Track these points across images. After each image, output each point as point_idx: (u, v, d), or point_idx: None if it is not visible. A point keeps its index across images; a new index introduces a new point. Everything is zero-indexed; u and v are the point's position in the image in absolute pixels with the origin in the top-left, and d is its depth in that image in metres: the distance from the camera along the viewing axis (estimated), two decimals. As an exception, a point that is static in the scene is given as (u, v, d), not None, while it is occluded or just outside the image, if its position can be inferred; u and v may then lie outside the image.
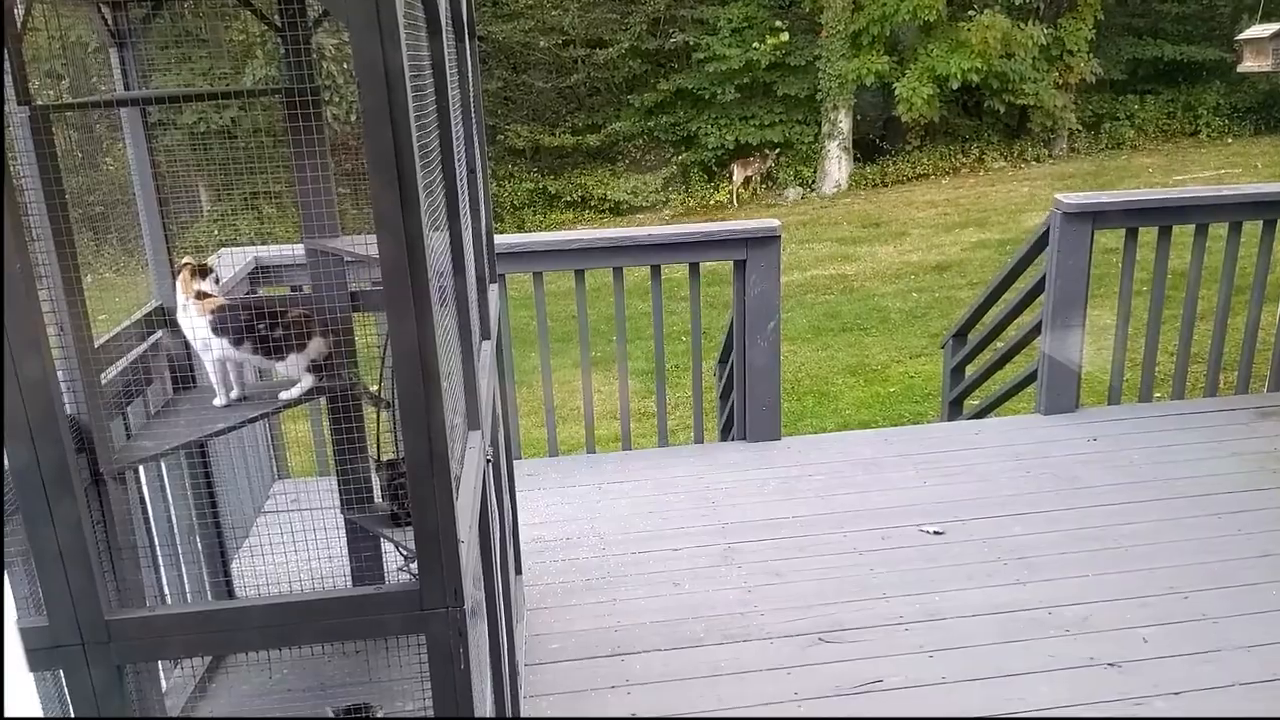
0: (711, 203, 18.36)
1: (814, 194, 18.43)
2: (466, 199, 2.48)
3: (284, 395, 2.15)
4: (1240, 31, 8.65)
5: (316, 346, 2.13)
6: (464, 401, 2.13)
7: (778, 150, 18.70)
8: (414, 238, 1.44)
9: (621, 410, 4.87)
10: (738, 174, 18.35)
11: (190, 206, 2.83)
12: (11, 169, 1.52)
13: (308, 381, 2.12)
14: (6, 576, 0.58)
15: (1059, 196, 4.70)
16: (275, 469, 4.45)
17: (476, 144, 2.92)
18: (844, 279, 12.25)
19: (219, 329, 2.11)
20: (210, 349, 2.12)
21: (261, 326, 2.10)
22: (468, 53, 2.65)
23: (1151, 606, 3.32)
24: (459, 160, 2.23)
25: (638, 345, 8.45)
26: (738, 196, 18.30)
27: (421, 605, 1.55)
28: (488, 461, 2.26)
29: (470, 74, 2.74)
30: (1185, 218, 4.78)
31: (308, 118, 2.40)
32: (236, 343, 2.11)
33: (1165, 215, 4.76)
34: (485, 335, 2.75)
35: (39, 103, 1.83)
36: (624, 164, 19.25)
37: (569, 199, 18.61)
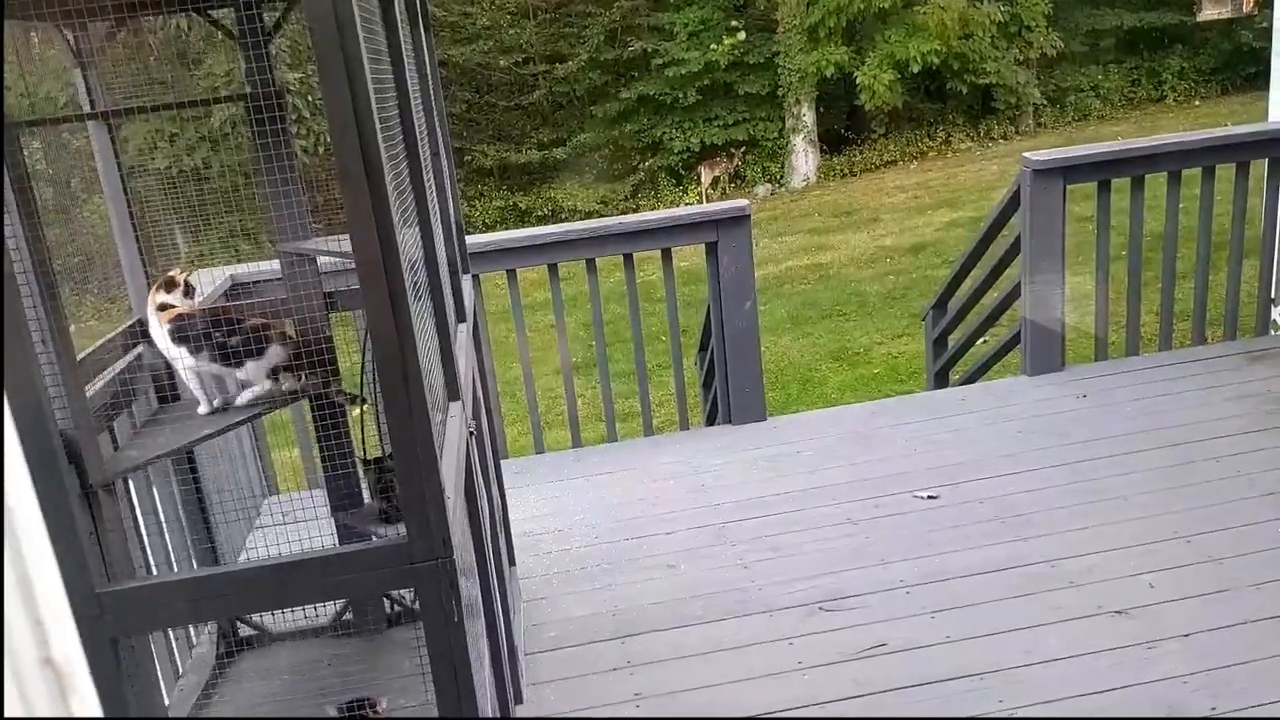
0: (682, 205, 18.34)
1: (783, 189, 18.45)
2: (432, 181, 2.44)
3: (239, 399, 2.09)
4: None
5: (276, 353, 2.10)
6: (443, 374, 2.08)
7: (744, 149, 18.71)
8: (384, 223, 1.46)
9: (604, 401, 4.80)
10: (705, 175, 18.35)
11: (168, 250, 2.85)
12: None
13: (265, 386, 2.07)
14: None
15: (1027, 155, 4.68)
16: (266, 486, 4.38)
17: (439, 131, 2.90)
18: (820, 267, 12.23)
19: (178, 338, 2.09)
20: (176, 359, 2.09)
21: (218, 334, 2.08)
22: (423, 42, 2.63)
23: (1156, 553, 3.27)
24: (424, 150, 2.21)
25: (617, 348, 8.38)
26: (707, 197, 18.28)
27: (411, 559, 1.51)
28: (470, 434, 2.21)
29: (427, 62, 2.71)
30: (1156, 166, 4.75)
31: (273, 121, 2.39)
32: (195, 351, 2.08)
33: (1136, 165, 4.72)
34: (460, 318, 2.70)
35: (9, 119, 1.82)
36: (592, 175, 19.24)
37: (540, 213, 18.58)
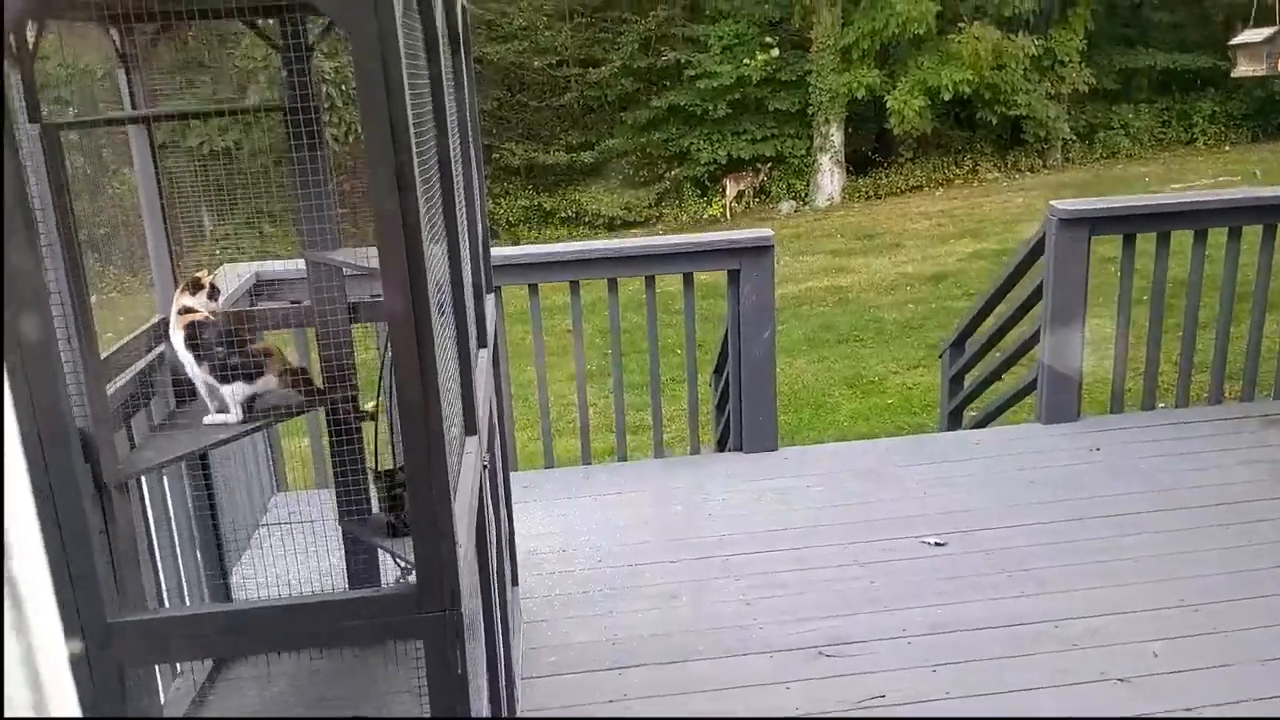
0: (704, 217, 18.35)
1: (807, 207, 18.44)
2: (464, 209, 2.45)
3: (208, 419, 2.11)
4: (1234, 37, 8.65)
5: (265, 383, 2.11)
6: (461, 407, 2.09)
7: (770, 164, 18.72)
8: (414, 247, 1.46)
9: (617, 423, 4.81)
10: (731, 188, 18.35)
11: (193, 228, 2.87)
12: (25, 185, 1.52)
13: (236, 414, 2.09)
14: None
15: (1054, 203, 4.66)
16: (275, 483, 4.41)
17: (473, 156, 2.91)
18: (839, 290, 12.22)
19: (189, 344, 2.11)
20: (185, 365, 2.11)
21: (220, 350, 2.09)
22: (464, 67, 2.64)
23: (1162, 620, 3.25)
24: (457, 172, 2.21)
25: (633, 359, 8.39)
26: (731, 210, 18.29)
27: (418, 608, 1.52)
28: (484, 468, 2.21)
29: (466, 88, 2.72)
30: (1182, 223, 4.74)
31: (310, 134, 2.41)
32: (198, 360, 2.10)
33: (1162, 220, 4.71)
34: (482, 343, 2.71)
35: (49, 120, 1.83)
36: (617, 180, 19.27)
37: (563, 215, 18.63)
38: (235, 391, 2.09)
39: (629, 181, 19.27)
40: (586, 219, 18.57)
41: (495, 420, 2.79)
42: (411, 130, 1.44)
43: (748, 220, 17.90)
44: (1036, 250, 4.88)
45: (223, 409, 2.11)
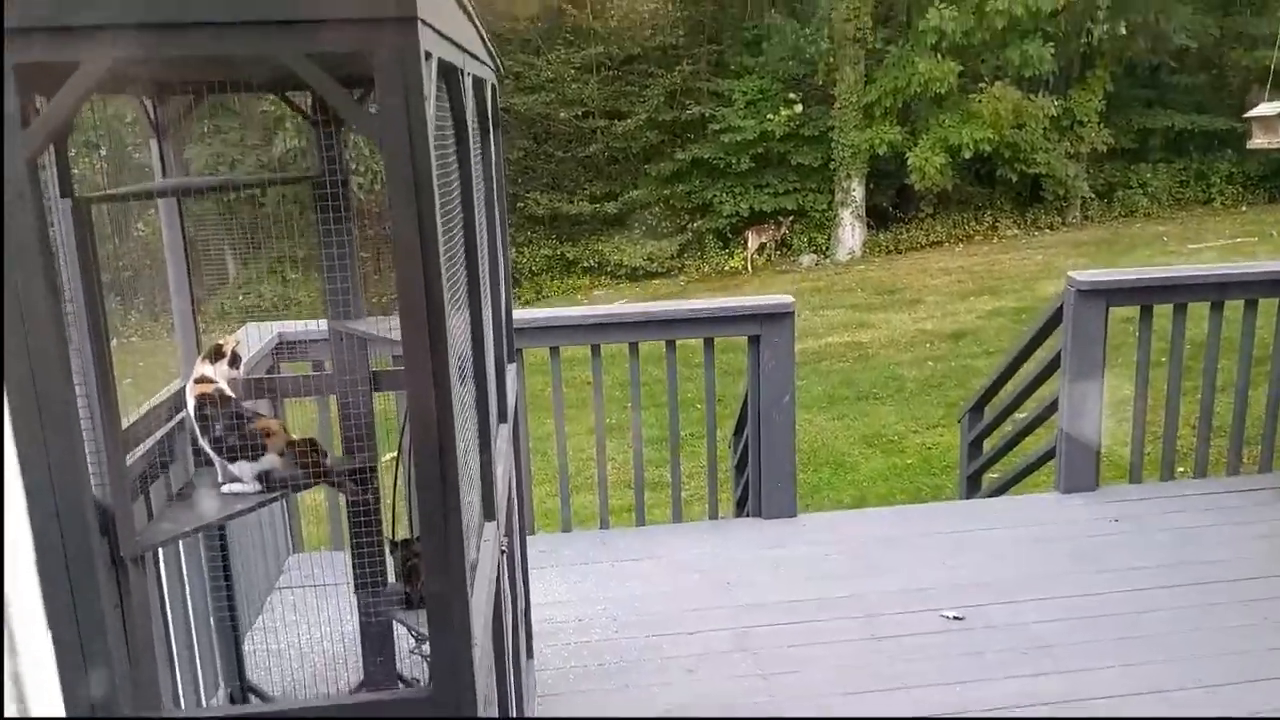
0: (726, 268, 18.46)
1: (828, 260, 18.53)
2: (488, 285, 2.49)
3: (225, 487, 2.14)
4: (1251, 106, 8.71)
5: (270, 461, 2.13)
6: (480, 492, 2.11)
7: (792, 218, 18.87)
8: (436, 329, 1.45)
9: (636, 486, 4.83)
10: (752, 240, 18.49)
11: (218, 272, 2.87)
12: (54, 258, 1.55)
13: (253, 487, 2.12)
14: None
15: (1072, 274, 4.69)
16: (290, 543, 4.43)
17: (499, 230, 2.96)
18: (859, 346, 12.24)
19: (198, 415, 2.13)
20: (196, 434, 2.14)
21: (219, 427, 2.10)
22: (491, 144, 2.70)
23: (1176, 702, 3.23)
24: (482, 247, 2.25)
25: (652, 412, 8.43)
26: (752, 263, 18.40)
27: (434, 713, 1.52)
28: (503, 552, 2.24)
29: (494, 162, 2.78)
30: (1199, 295, 4.76)
31: (336, 205, 2.45)
32: (203, 432, 2.12)
33: (1179, 293, 4.73)
34: (502, 419, 2.74)
35: (80, 194, 1.88)
36: (640, 231, 19.45)
37: (586, 264, 18.79)
38: (241, 469, 2.12)
39: (652, 232, 19.43)
40: (609, 269, 18.72)
41: (514, 496, 2.82)
42: (439, 225, 1.44)
43: (769, 273, 18.00)
44: (1054, 319, 4.91)
45: (235, 478, 2.14)
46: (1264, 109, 8.11)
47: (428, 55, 1.24)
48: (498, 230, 2.99)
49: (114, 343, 1.92)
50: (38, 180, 1.21)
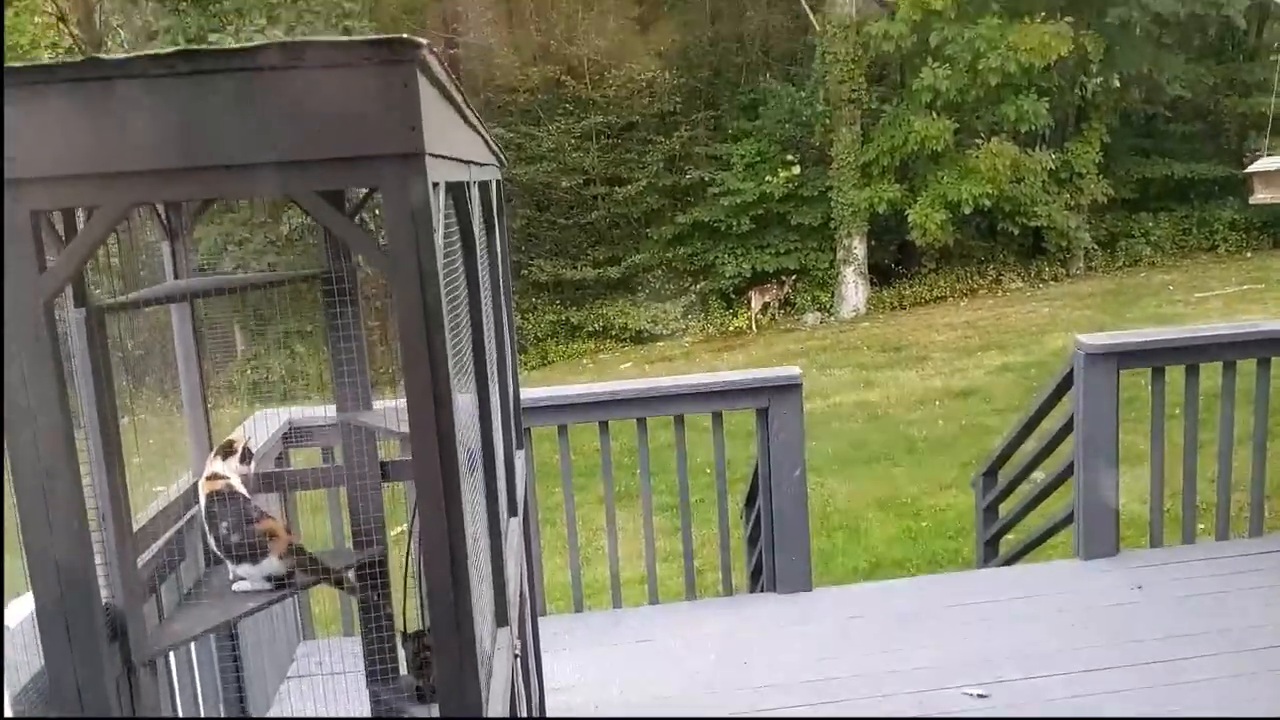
0: (730, 329, 18.51)
1: (832, 318, 18.58)
2: (495, 379, 2.49)
3: (236, 585, 2.11)
4: (1249, 153, 8.79)
5: (271, 564, 2.11)
6: (493, 599, 2.08)
7: (794, 277, 18.97)
8: (446, 436, 1.44)
9: (648, 566, 4.78)
10: (756, 301, 18.56)
11: (225, 347, 2.85)
12: (64, 367, 1.55)
13: (261, 585, 2.09)
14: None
15: (1080, 338, 4.68)
16: (300, 631, 4.38)
17: (505, 320, 2.96)
18: (868, 406, 12.20)
19: (207, 513, 2.11)
20: (205, 529, 2.12)
21: (224, 526, 2.09)
22: (497, 238, 2.71)
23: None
24: (490, 354, 2.25)
25: (661, 479, 8.37)
26: (756, 322, 18.46)
27: None
28: (516, 657, 2.20)
29: (499, 255, 2.79)
30: (1210, 355, 4.73)
31: (344, 301, 2.45)
32: (211, 529, 2.10)
33: (1190, 354, 4.71)
34: (513, 512, 2.72)
35: (94, 303, 1.88)
36: (644, 294, 19.56)
37: (590, 329, 18.87)
38: (245, 572, 2.09)
39: (655, 295, 19.55)
40: (614, 333, 18.79)
41: (525, 591, 2.78)
42: (449, 353, 1.46)
43: (773, 332, 18.03)
44: (1065, 383, 4.88)
45: (241, 579, 2.11)
46: (1264, 164, 8.16)
47: (435, 186, 1.25)
48: (504, 321, 2.99)
49: (124, 420, 1.90)
50: (54, 323, 1.21)
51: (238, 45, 1.12)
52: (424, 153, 1.14)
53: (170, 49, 1.11)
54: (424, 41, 1.17)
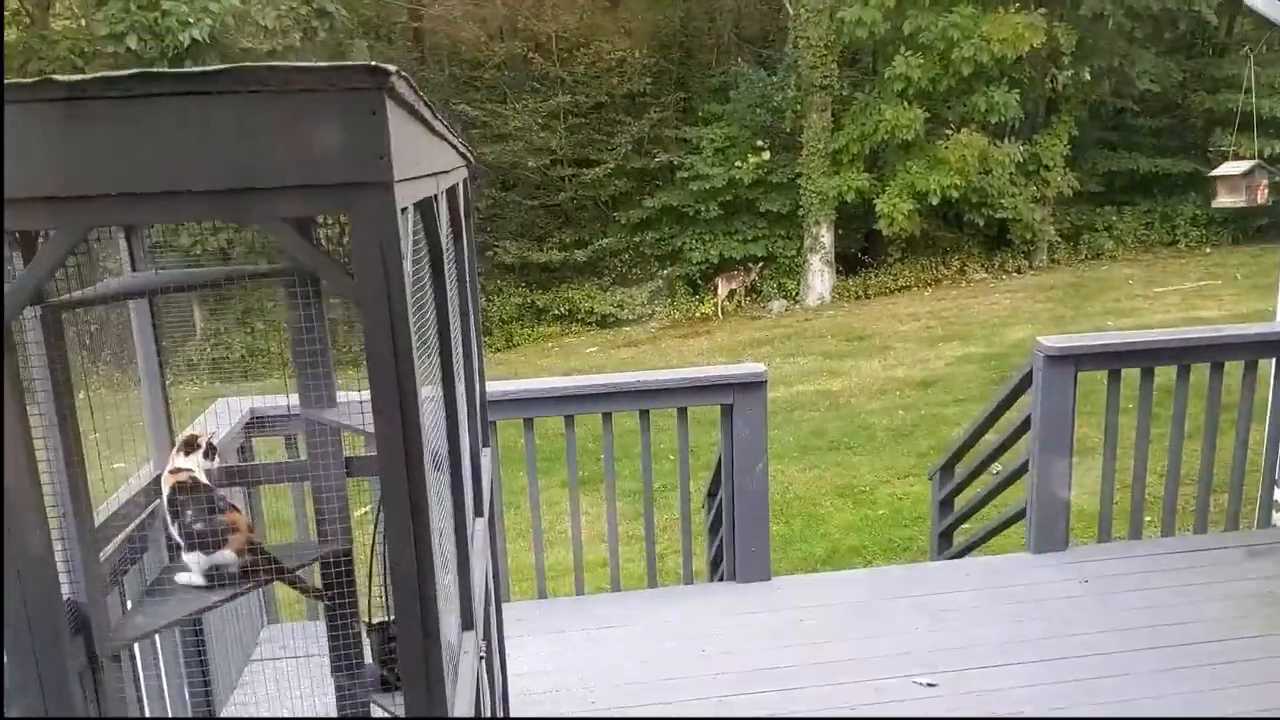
0: (696, 315, 18.58)
1: (798, 306, 18.70)
2: (462, 381, 2.51)
3: (179, 577, 2.11)
4: (1214, 151, 8.96)
5: (223, 556, 2.11)
6: (459, 604, 2.11)
7: (761, 264, 19.04)
8: (416, 476, 1.45)
9: (610, 553, 4.84)
10: (722, 287, 18.63)
11: (184, 324, 2.81)
12: (20, 364, 1.54)
13: (198, 578, 2.09)
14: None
15: (1041, 340, 4.78)
16: (265, 615, 4.39)
17: (472, 318, 2.97)
18: (830, 395, 12.33)
19: (169, 504, 2.11)
20: (167, 521, 2.12)
21: (189, 514, 2.09)
22: (464, 242, 2.72)
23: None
24: (458, 365, 2.26)
25: (626, 464, 8.43)
26: (722, 309, 18.53)
27: None
28: (481, 659, 2.24)
29: (466, 255, 2.80)
30: (1165, 359, 4.86)
31: (306, 298, 2.45)
32: (173, 518, 2.10)
33: (1146, 357, 4.83)
34: (479, 512, 2.74)
35: (50, 301, 1.87)
36: (610, 278, 19.55)
37: (556, 312, 18.84)
38: (193, 559, 2.09)
39: (622, 280, 19.55)
40: (579, 316, 18.78)
41: (490, 587, 2.82)
42: (416, 373, 1.47)
43: (739, 319, 18.12)
44: (1024, 383, 4.99)
45: (185, 568, 2.11)
46: (1228, 168, 8.31)
47: (404, 210, 1.27)
48: (470, 321, 3.00)
49: (80, 395, 1.89)
50: (14, 347, 1.22)
51: (197, 69, 1.12)
52: (392, 181, 1.16)
53: (128, 71, 1.11)
54: (392, 69, 1.19)
